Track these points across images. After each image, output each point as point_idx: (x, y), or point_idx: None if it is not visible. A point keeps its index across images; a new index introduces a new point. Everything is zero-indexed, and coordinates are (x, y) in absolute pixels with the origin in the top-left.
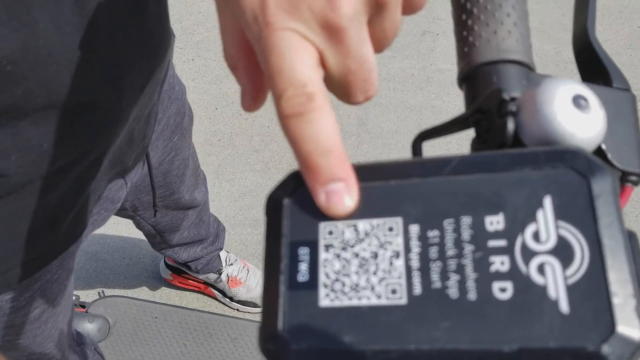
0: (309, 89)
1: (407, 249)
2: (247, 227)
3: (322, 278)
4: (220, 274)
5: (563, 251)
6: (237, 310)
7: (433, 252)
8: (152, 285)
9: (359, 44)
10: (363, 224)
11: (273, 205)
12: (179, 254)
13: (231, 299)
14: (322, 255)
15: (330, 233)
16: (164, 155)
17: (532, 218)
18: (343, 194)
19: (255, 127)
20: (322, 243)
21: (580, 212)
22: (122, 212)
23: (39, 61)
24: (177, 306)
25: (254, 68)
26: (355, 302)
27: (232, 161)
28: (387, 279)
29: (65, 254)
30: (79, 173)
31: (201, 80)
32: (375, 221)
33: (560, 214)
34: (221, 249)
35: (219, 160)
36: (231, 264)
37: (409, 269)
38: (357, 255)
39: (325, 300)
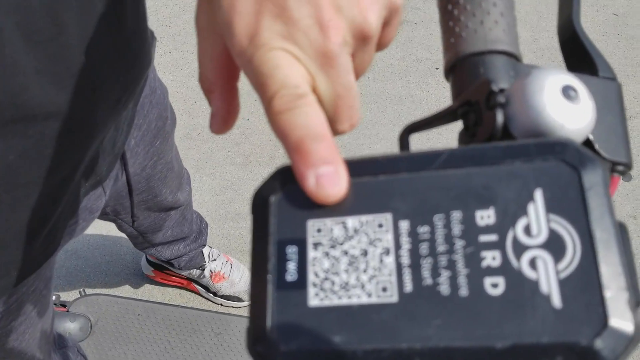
0: (300, 90)
1: (397, 246)
2: (229, 221)
3: (311, 277)
4: (204, 269)
5: (555, 245)
6: (221, 305)
7: (424, 248)
8: (133, 282)
9: (347, 71)
10: (352, 221)
11: (259, 203)
12: (161, 252)
13: (215, 294)
14: (311, 253)
15: (319, 231)
16: (146, 160)
17: (523, 212)
18: (333, 177)
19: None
20: (310, 241)
21: (571, 204)
22: (103, 216)
23: (6, 71)
24: (160, 303)
25: (229, 92)
26: (345, 301)
27: (212, 155)
28: (377, 277)
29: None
30: (51, 188)
31: (179, 73)
32: (364, 217)
33: (552, 207)
34: (204, 245)
35: (199, 155)
36: (214, 260)
37: (399, 266)
38: (346, 253)
39: (314, 299)
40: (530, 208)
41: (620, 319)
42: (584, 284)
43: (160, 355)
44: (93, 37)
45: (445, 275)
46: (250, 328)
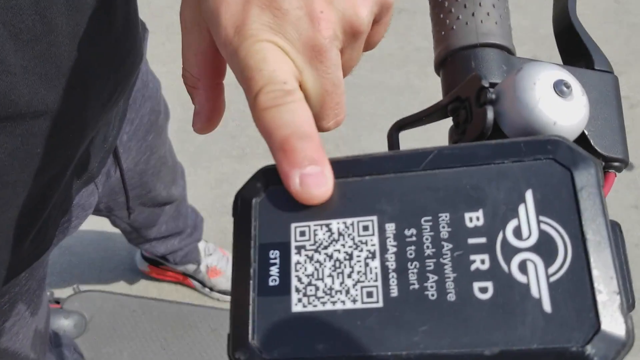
0: (288, 87)
1: (383, 249)
2: (225, 215)
3: (294, 282)
4: (199, 264)
5: (545, 248)
6: (218, 300)
7: (410, 251)
8: (128, 278)
9: (336, 67)
10: (336, 224)
11: (241, 206)
12: (156, 248)
13: (211, 289)
14: (294, 257)
15: (302, 234)
16: (139, 155)
17: (514, 213)
18: (319, 178)
19: (231, 112)
20: (293, 245)
21: (563, 206)
22: (97, 212)
23: None
24: (156, 299)
25: (213, 88)
26: (329, 307)
27: (207, 148)
28: (362, 282)
29: (33, 265)
30: (40, 186)
31: (173, 65)
32: (349, 220)
33: (542, 208)
34: (199, 240)
35: (193, 148)
36: (210, 254)
37: (385, 270)
38: (330, 257)
39: (297, 305)
40: (521, 210)
41: (612, 324)
42: (575, 287)
43: (156, 351)
44: (83, 35)
45: (432, 279)
46: (231, 335)
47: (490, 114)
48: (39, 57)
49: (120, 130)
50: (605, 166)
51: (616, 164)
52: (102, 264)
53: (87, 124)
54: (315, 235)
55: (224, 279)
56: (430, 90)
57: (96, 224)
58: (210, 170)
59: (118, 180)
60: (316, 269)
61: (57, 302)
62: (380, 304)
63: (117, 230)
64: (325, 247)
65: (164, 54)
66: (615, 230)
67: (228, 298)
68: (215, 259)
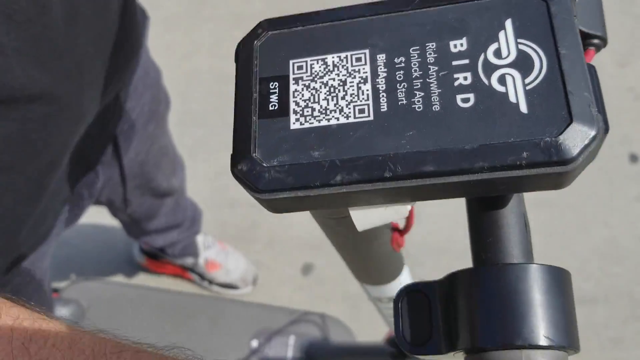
0: None
1: (374, 75)
2: (224, 208)
3: (292, 106)
4: (198, 257)
5: (523, 63)
6: (217, 293)
7: (399, 75)
8: (127, 271)
9: None
10: (331, 57)
11: (243, 49)
12: (155, 240)
13: (210, 282)
14: (292, 87)
15: (300, 68)
16: (140, 145)
17: (494, 38)
18: None
19: (230, 104)
20: (292, 77)
21: (539, 30)
22: (97, 203)
23: None
24: (154, 288)
25: None
26: (324, 123)
27: (206, 141)
28: (355, 102)
29: (35, 256)
30: (36, 173)
31: (172, 57)
32: (343, 54)
33: (521, 33)
34: (198, 232)
35: (192, 140)
36: (209, 247)
37: (376, 91)
38: (325, 84)
39: (295, 124)
40: (501, 35)
41: (582, 119)
42: (550, 92)
43: (155, 341)
44: (78, 17)
45: (419, 95)
46: (234, 152)
47: None
48: (33, 39)
49: (120, 117)
50: (586, 43)
51: (595, 40)
52: (99, 257)
53: (84, 110)
54: (311, 68)
55: (223, 273)
56: None
57: (94, 217)
58: (210, 163)
59: (118, 171)
60: (312, 95)
61: (55, 290)
62: (371, 118)
63: (115, 224)
64: (321, 77)
65: (162, 46)
66: (590, 70)
67: (227, 291)
68: (214, 252)
